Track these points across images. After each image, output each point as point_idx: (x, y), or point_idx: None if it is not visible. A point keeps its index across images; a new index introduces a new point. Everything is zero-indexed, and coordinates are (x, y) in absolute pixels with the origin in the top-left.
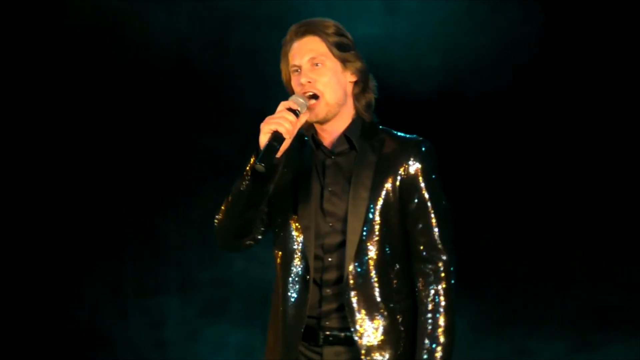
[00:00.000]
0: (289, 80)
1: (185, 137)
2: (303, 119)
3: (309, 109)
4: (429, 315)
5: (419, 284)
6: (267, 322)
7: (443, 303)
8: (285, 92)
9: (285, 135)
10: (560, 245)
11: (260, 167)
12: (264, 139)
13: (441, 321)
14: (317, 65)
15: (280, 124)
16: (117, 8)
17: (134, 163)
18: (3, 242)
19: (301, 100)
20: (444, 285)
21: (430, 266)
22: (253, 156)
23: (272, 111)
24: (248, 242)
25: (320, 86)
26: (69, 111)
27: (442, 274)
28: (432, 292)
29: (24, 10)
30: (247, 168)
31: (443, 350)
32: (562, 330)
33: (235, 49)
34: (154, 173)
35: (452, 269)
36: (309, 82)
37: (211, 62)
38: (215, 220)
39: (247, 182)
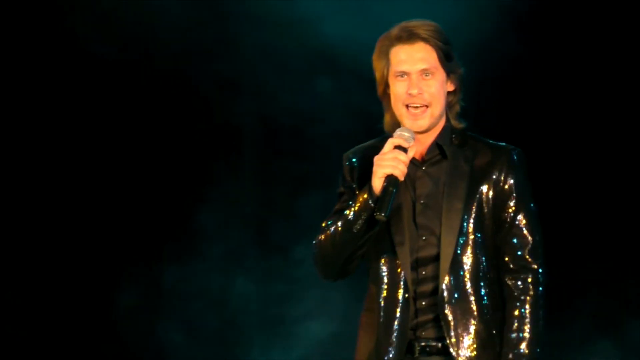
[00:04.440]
0: (383, 79)
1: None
2: (411, 153)
3: (414, 119)
4: (515, 325)
5: (508, 296)
6: None
7: (529, 312)
8: None
9: (400, 178)
10: None
11: (382, 217)
12: (378, 183)
13: (526, 332)
14: (427, 76)
15: (395, 167)
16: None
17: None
18: (42, 244)
19: (407, 134)
20: (531, 296)
21: (519, 277)
22: (367, 197)
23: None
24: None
25: (429, 97)
26: (109, 115)
27: (531, 286)
28: (519, 303)
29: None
30: (359, 209)
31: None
32: None
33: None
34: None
35: (540, 279)
36: (420, 93)
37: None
38: (317, 249)
39: (362, 227)
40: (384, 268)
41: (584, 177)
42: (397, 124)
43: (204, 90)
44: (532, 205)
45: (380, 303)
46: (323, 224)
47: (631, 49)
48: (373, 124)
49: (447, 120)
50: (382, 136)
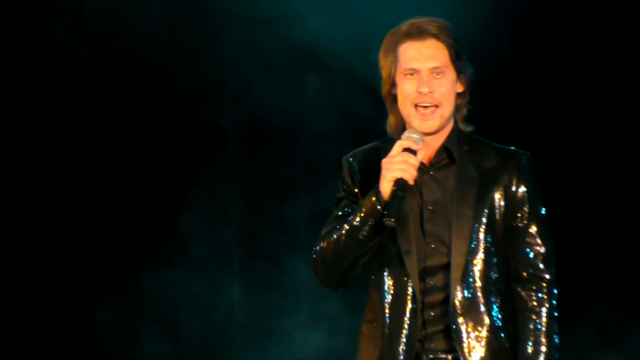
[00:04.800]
0: (390, 77)
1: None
2: (420, 156)
3: (424, 120)
4: (531, 338)
5: (521, 307)
6: None
7: (545, 324)
8: None
9: (410, 182)
10: None
11: (391, 222)
12: (386, 187)
13: (543, 345)
14: (438, 74)
15: (405, 170)
16: None
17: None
18: (22, 259)
19: (415, 136)
20: (547, 307)
21: (532, 288)
22: (375, 201)
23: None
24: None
25: (439, 96)
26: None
27: (545, 297)
28: (534, 315)
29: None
30: (366, 215)
31: None
32: None
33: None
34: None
35: (554, 289)
36: (430, 92)
37: None
38: (318, 257)
39: (368, 233)
40: (389, 277)
41: (584, 183)
42: (401, 126)
43: (187, 92)
44: (543, 212)
45: (384, 314)
46: (323, 231)
47: (625, 48)
48: (362, 123)
49: (455, 122)
50: (384, 138)
